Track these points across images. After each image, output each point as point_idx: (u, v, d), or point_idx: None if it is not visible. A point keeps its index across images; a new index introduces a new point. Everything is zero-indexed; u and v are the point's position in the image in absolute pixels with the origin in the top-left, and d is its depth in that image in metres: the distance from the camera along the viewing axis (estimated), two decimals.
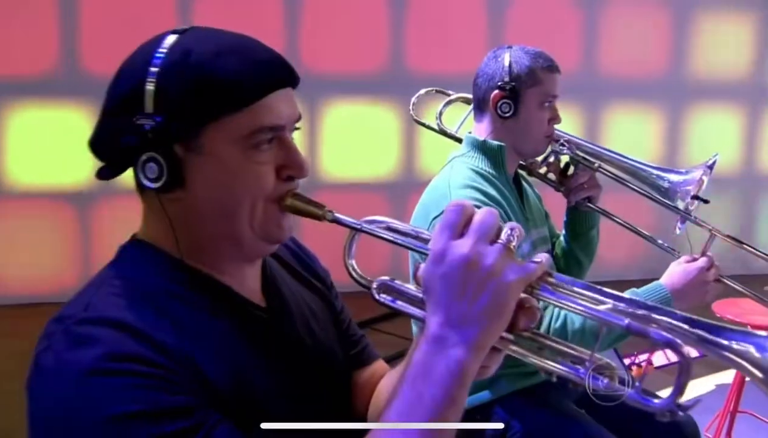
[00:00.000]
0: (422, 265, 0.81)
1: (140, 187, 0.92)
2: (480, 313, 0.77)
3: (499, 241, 0.79)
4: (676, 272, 1.75)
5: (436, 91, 2.24)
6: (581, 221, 2.02)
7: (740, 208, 5.23)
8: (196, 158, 0.90)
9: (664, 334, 0.74)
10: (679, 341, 0.74)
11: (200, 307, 0.92)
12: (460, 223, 0.80)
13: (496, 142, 1.85)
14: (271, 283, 1.05)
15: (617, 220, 1.97)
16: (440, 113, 2.13)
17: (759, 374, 0.72)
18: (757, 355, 0.72)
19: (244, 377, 0.91)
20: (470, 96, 2.10)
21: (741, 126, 5.39)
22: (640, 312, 0.77)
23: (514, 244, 0.79)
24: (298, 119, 0.96)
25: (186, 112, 0.89)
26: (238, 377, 0.90)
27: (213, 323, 0.92)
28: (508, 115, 1.82)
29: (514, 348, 0.81)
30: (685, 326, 0.75)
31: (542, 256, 0.81)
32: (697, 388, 3.23)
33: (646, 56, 5.17)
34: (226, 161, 0.90)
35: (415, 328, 1.90)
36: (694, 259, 1.77)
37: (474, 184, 1.76)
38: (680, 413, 0.71)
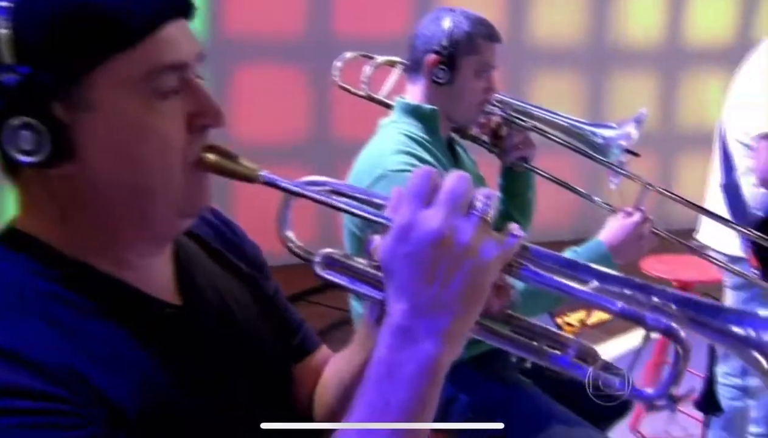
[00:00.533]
0: (377, 238, 0.70)
1: (10, 165, 0.73)
2: (453, 298, 0.66)
3: (474, 212, 0.67)
4: (613, 228, 1.75)
5: (362, 56, 2.16)
6: (517, 182, 1.98)
7: (659, 166, 5.38)
8: (84, 118, 0.72)
9: (662, 319, 0.67)
10: (676, 327, 0.67)
11: (94, 314, 0.75)
12: (427, 191, 0.68)
13: (429, 107, 1.79)
14: (185, 271, 0.88)
15: (553, 178, 1.95)
16: (368, 78, 2.05)
17: (763, 361, 0.66)
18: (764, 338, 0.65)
19: (155, 391, 0.75)
20: (396, 59, 2.03)
21: (658, 88, 5.55)
22: (632, 292, 0.70)
23: (491, 214, 0.67)
24: (201, 58, 0.79)
25: (60, 57, 0.70)
26: (148, 392, 0.74)
27: (111, 332, 0.75)
28: (442, 81, 1.76)
29: (487, 333, 0.73)
30: (678, 307, 0.68)
31: (514, 226, 0.70)
32: (624, 341, 3.29)
33: (564, 26, 5.24)
34: (125, 115, 0.73)
35: (355, 303, 1.84)
36: (629, 215, 1.77)
37: (408, 149, 1.70)
38: (674, 405, 0.67)
